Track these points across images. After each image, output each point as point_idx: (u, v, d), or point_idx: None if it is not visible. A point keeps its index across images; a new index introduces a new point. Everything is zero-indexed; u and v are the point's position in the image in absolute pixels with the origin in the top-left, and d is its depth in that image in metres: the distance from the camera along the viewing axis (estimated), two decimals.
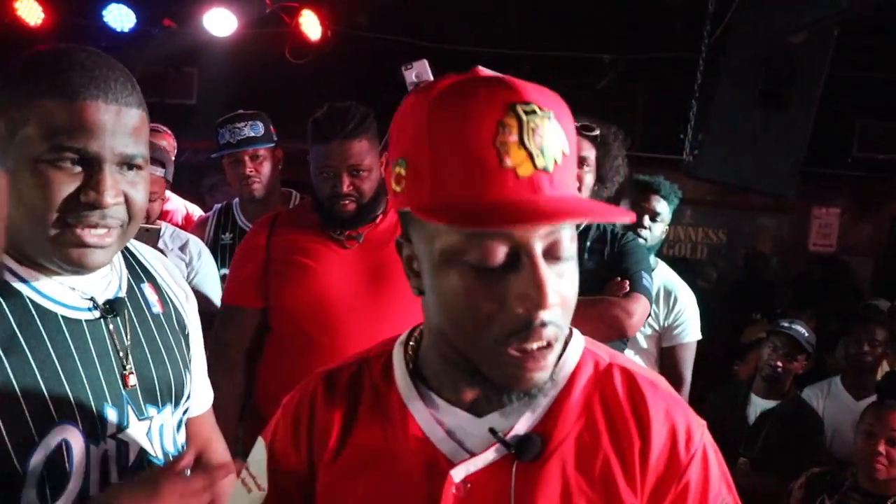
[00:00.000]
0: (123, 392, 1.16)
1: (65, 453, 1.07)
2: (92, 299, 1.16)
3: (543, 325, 0.84)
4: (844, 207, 6.81)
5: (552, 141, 0.83)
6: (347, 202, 2.24)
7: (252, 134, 3.02)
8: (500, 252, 0.83)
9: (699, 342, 2.97)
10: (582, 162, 2.52)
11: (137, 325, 1.22)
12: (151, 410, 1.22)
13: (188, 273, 2.64)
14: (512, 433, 0.94)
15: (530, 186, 0.81)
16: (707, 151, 3.82)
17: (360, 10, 5.39)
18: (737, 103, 3.77)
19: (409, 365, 1.01)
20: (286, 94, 4.96)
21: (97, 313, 1.16)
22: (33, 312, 1.08)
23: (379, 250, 2.27)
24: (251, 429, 2.34)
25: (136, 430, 1.18)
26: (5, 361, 1.03)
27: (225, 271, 2.76)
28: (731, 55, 3.80)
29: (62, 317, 1.11)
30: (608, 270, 2.46)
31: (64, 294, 1.13)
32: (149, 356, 1.23)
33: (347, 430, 1.02)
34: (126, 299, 1.22)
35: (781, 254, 6.95)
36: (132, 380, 1.18)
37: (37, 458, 1.04)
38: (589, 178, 2.54)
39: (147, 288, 1.30)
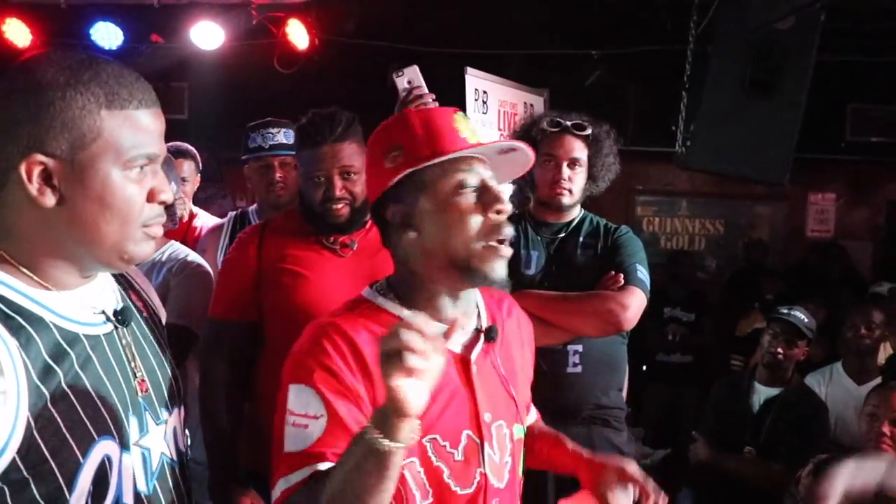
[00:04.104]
0: (140, 399, 1.20)
1: (108, 467, 1.11)
2: (103, 312, 1.19)
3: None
4: (840, 192, 6.83)
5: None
6: (341, 206, 2.20)
7: (284, 141, 2.97)
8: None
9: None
10: (574, 163, 2.51)
11: (137, 332, 1.26)
12: (164, 414, 1.26)
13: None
14: (474, 328, 1.47)
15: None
16: (699, 142, 3.82)
17: (347, 17, 5.40)
18: (727, 93, 3.78)
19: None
20: (277, 103, 4.95)
21: (110, 326, 1.19)
22: (59, 338, 1.09)
23: (372, 257, 2.23)
24: (252, 442, 2.32)
25: (156, 435, 1.23)
26: (44, 390, 1.04)
27: None
28: (718, 45, 3.80)
29: (84, 335, 1.13)
30: (602, 265, 2.46)
31: (80, 312, 1.15)
32: (152, 360, 1.27)
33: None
34: (127, 307, 1.25)
35: (779, 241, 6.96)
36: (145, 386, 1.22)
37: (83, 476, 1.07)
38: (580, 179, 2.53)
39: (132, 294, 1.33)
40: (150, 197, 1.14)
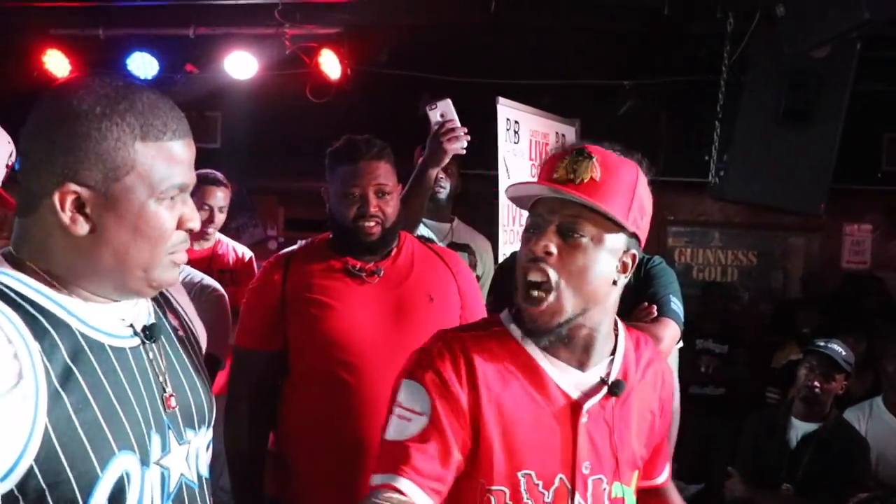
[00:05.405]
0: (165, 417, 1.18)
1: (125, 483, 1.09)
2: (132, 326, 1.18)
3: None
4: (877, 223, 6.69)
5: (583, 169, 1.43)
6: (373, 223, 2.21)
7: None
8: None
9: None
10: None
11: (169, 350, 1.25)
12: (189, 434, 1.24)
13: None
14: (602, 380, 1.45)
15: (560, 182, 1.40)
16: (733, 172, 3.79)
17: (379, 47, 5.43)
18: (761, 122, 3.74)
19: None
20: (308, 133, 5.01)
21: (137, 340, 1.18)
22: (83, 344, 1.08)
23: (399, 285, 2.24)
24: (276, 474, 2.30)
25: (178, 455, 1.21)
26: (65, 397, 1.03)
27: None
28: (752, 74, 3.77)
29: (109, 346, 1.12)
30: (635, 296, 2.42)
31: (107, 323, 1.14)
32: (182, 379, 1.26)
33: (499, 379, 1.40)
34: (159, 324, 1.25)
35: (813, 273, 6.84)
36: (172, 403, 1.21)
37: (100, 491, 1.06)
38: None
39: (169, 314, 1.33)
40: (179, 224, 1.15)
